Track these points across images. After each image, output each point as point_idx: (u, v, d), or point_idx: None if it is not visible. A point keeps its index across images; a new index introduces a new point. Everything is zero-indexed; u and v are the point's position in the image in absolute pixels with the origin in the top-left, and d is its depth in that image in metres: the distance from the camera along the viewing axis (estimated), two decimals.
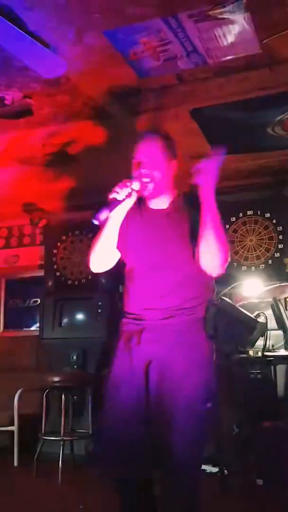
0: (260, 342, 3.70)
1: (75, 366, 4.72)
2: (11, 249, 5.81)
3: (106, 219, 2.10)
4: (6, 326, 5.88)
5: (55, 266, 5.35)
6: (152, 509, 2.14)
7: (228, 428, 3.98)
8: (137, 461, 2.05)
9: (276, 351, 3.99)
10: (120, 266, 2.34)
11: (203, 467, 3.54)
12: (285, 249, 4.62)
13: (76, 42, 2.63)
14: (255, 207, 4.77)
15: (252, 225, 4.76)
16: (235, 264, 4.70)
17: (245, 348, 3.76)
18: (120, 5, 2.34)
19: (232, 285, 3.97)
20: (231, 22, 2.47)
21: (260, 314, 3.75)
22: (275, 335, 4.05)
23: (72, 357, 4.73)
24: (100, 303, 4.82)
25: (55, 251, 5.39)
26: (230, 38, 2.60)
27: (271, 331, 3.91)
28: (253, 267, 4.68)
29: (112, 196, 2.06)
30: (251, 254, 4.72)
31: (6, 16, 2.38)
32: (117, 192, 2.06)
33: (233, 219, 4.81)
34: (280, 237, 4.65)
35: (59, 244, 5.39)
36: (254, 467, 3.64)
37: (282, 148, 4.05)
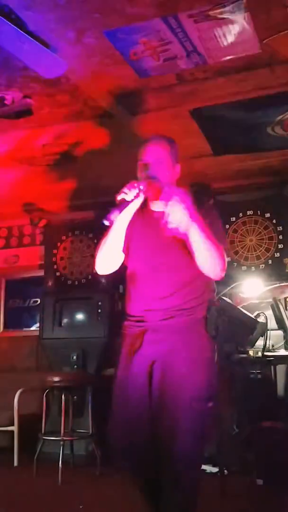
0: (260, 342, 3.71)
1: (75, 366, 4.72)
2: (11, 249, 5.81)
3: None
4: (6, 326, 5.88)
5: (55, 266, 5.35)
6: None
7: (228, 428, 3.98)
8: (144, 458, 2.11)
9: (276, 351, 3.99)
10: (120, 266, 2.35)
11: (203, 467, 3.54)
12: (285, 249, 4.63)
13: (76, 42, 2.63)
14: (255, 207, 4.78)
15: (252, 225, 4.76)
16: (235, 264, 4.71)
17: (245, 348, 3.77)
18: (120, 5, 2.34)
19: (232, 285, 3.97)
20: (231, 22, 2.47)
21: (260, 314, 3.76)
22: (275, 335, 4.06)
23: (72, 357, 4.73)
24: (100, 303, 4.82)
25: (55, 251, 5.39)
26: (230, 38, 2.60)
27: (271, 331, 3.91)
28: (253, 267, 4.68)
29: (120, 197, 2.08)
30: (251, 254, 4.72)
31: (6, 16, 2.38)
32: (126, 193, 2.08)
33: (233, 219, 4.82)
34: (280, 237, 4.65)
35: (59, 244, 5.39)
36: (254, 467, 3.64)
37: (282, 148, 4.05)
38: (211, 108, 3.37)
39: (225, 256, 2.17)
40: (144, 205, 2.27)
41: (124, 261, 2.31)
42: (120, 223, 2.17)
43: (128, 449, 2.18)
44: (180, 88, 3.13)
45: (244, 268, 4.69)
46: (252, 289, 4.12)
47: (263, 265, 4.65)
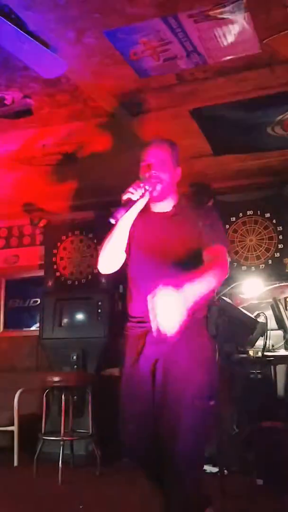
0: (260, 342, 3.71)
1: (75, 366, 4.72)
2: (11, 249, 5.81)
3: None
4: (6, 326, 5.88)
5: (55, 266, 5.35)
6: None
7: (228, 428, 3.98)
8: (150, 454, 2.14)
9: (276, 351, 3.99)
10: (120, 266, 2.36)
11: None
12: (285, 249, 4.62)
13: (76, 42, 2.63)
14: (255, 207, 4.77)
15: (252, 225, 4.76)
16: (235, 264, 4.71)
17: (245, 348, 3.77)
18: (120, 5, 2.34)
19: (232, 285, 3.97)
20: (231, 22, 2.47)
21: (260, 314, 3.76)
22: (275, 335, 4.06)
23: (72, 357, 4.73)
24: (100, 303, 4.82)
25: (55, 251, 5.39)
26: (230, 38, 2.60)
27: (271, 331, 3.91)
28: (253, 267, 4.68)
29: (126, 196, 2.12)
30: (251, 254, 4.72)
31: (6, 16, 2.38)
32: (132, 193, 2.12)
33: (233, 219, 4.81)
34: (280, 237, 4.65)
35: (59, 244, 5.39)
36: (254, 467, 3.64)
37: (282, 148, 4.05)
38: (211, 108, 3.37)
39: (228, 258, 2.19)
40: (145, 206, 2.28)
41: (126, 261, 2.33)
42: (124, 222, 2.20)
43: (135, 446, 2.22)
44: (180, 88, 3.13)
45: (244, 268, 4.69)
46: (252, 289, 4.11)
47: (263, 265, 4.65)
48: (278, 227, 4.68)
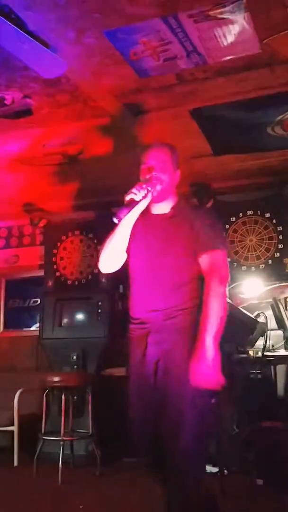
0: (260, 342, 3.71)
1: (75, 366, 4.72)
2: (11, 249, 5.81)
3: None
4: (6, 326, 5.88)
5: (55, 266, 5.35)
6: None
7: (228, 428, 3.98)
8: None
9: (276, 351, 3.99)
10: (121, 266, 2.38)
11: None
12: (285, 249, 4.62)
13: (76, 42, 2.63)
14: (255, 207, 4.77)
15: (252, 225, 4.76)
16: (235, 264, 4.71)
17: (245, 348, 3.76)
18: (120, 5, 2.34)
19: (232, 285, 3.97)
20: (231, 22, 2.47)
21: (260, 314, 3.76)
22: (275, 335, 4.06)
23: (72, 357, 4.72)
24: (100, 303, 4.82)
25: (55, 251, 5.39)
26: (230, 38, 2.60)
27: (271, 331, 3.91)
28: (253, 267, 4.68)
29: (129, 197, 2.17)
30: (251, 254, 4.72)
31: (6, 16, 2.38)
32: (135, 193, 2.17)
33: (233, 219, 4.81)
34: (280, 237, 4.65)
35: (59, 244, 5.39)
36: (254, 467, 3.64)
37: (282, 148, 4.05)
38: (211, 108, 3.37)
39: (227, 261, 2.26)
40: (145, 208, 2.31)
41: (126, 262, 2.37)
42: (126, 222, 2.24)
43: (142, 444, 2.28)
44: (180, 88, 3.13)
45: (244, 268, 4.69)
46: (252, 289, 4.12)
47: (263, 265, 4.65)
48: (278, 227, 4.68)
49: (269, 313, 4.04)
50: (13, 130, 3.65)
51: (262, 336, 3.67)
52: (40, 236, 5.68)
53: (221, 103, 3.32)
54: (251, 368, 4.05)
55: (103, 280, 5.01)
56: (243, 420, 4.02)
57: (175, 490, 2.10)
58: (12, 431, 4.49)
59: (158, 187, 2.25)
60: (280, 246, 4.64)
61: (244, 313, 3.55)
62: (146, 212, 2.30)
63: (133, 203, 2.17)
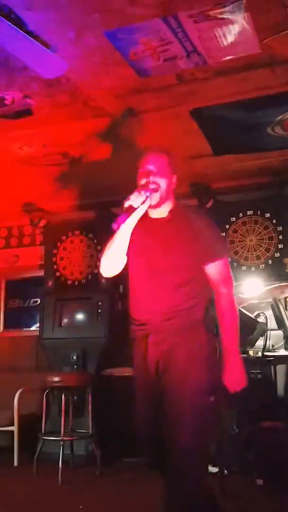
0: (260, 342, 3.71)
1: (75, 366, 4.71)
2: (11, 249, 5.81)
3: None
4: (6, 326, 5.88)
5: (55, 266, 5.35)
6: None
7: (228, 428, 3.98)
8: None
9: (276, 351, 3.99)
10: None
11: None
12: (285, 249, 4.62)
13: (76, 42, 2.63)
14: (255, 207, 4.77)
15: (252, 225, 4.76)
16: (235, 264, 4.70)
17: (245, 348, 3.76)
18: (120, 5, 2.34)
19: None
20: (231, 22, 2.47)
21: (260, 314, 3.76)
22: (275, 335, 4.06)
23: (72, 357, 4.72)
24: (100, 303, 4.82)
25: (55, 251, 5.39)
26: (230, 38, 2.60)
27: (271, 331, 3.91)
28: (253, 267, 4.68)
29: (127, 203, 2.21)
30: (251, 254, 4.72)
31: (6, 16, 2.38)
32: (133, 200, 2.21)
33: (233, 219, 4.81)
34: (280, 237, 4.65)
35: (59, 244, 5.39)
36: (254, 467, 3.63)
37: (282, 148, 4.05)
38: (211, 108, 3.37)
39: (230, 267, 2.39)
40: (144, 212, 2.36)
41: (126, 266, 2.41)
42: (126, 228, 2.27)
43: (145, 444, 2.33)
44: (180, 88, 3.13)
45: (244, 268, 4.69)
46: (252, 289, 4.11)
47: (263, 265, 4.65)
48: (278, 227, 4.68)
49: (269, 313, 4.04)
50: (13, 130, 3.65)
51: (262, 336, 3.66)
52: (40, 236, 5.68)
53: (221, 103, 3.32)
54: (251, 368, 4.05)
55: (103, 280, 5.00)
56: (243, 420, 4.02)
57: (175, 490, 2.11)
58: (12, 431, 4.49)
59: (156, 193, 2.29)
60: (280, 246, 4.64)
61: (244, 313, 3.54)
62: (144, 216, 2.33)
63: (131, 210, 2.21)
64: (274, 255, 4.64)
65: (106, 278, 4.91)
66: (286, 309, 4.17)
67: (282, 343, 4.07)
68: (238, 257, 4.73)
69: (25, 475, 4.13)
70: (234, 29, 2.53)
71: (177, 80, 3.05)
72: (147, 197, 2.24)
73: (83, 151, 4.08)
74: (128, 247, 2.33)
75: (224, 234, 4.66)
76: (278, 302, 4.11)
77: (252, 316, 3.63)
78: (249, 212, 4.78)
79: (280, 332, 4.10)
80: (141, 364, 2.28)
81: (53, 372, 4.65)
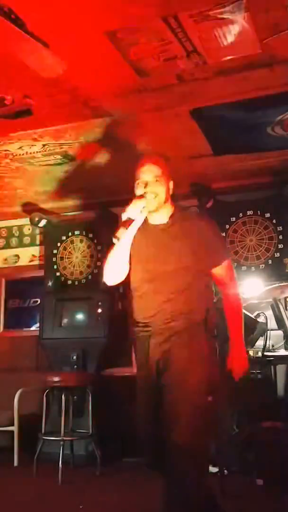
0: (260, 342, 3.71)
1: (75, 366, 4.71)
2: (11, 249, 5.82)
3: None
4: (6, 326, 5.88)
5: (55, 266, 5.34)
6: None
7: (228, 428, 3.97)
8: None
9: (276, 351, 3.99)
10: None
11: None
12: (285, 249, 4.62)
13: (76, 42, 2.63)
14: (255, 207, 4.77)
15: (252, 225, 4.76)
16: (235, 264, 4.70)
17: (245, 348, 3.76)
18: (120, 5, 2.34)
19: None
20: (231, 22, 2.47)
21: (260, 314, 3.76)
22: (275, 335, 4.05)
23: (72, 357, 4.72)
24: (100, 303, 4.81)
25: (55, 251, 5.39)
26: (230, 38, 2.60)
27: (271, 331, 3.91)
28: (253, 267, 4.67)
29: (125, 215, 2.27)
30: (251, 254, 4.71)
31: (6, 16, 2.38)
32: (131, 211, 2.27)
33: (233, 219, 4.81)
34: (280, 237, 4.64)
35: (59, 244, 5.38)
36: (254, 467, 3.63)
37: (282, 148, 4.05)
38: (211, 108, 3.37)
39: (233, 268, 2.53)
40: (144, 219, 2.40)
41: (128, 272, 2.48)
42: (126, 239, 2.33)
43: (146, 444, 2.36)
44: (180, 88, 3.13)
45: (244, 268, 4.69)
46: (252, 289, 4.11)
47: (263, 265, 4.65)
48: (278, 227, 4.67)
49: (269, 313, 4.04)
50: (13, 130, 3.65)
51: (262, 336, 3.67)
52: (40, 236, 5.68)
53: (221, 103, 3.32)
54: (251, 368, 4.04)
55: (103, 280, 5.00)
56: (243, 420, 4.02)
57: (175, 490, 2.11)
58: (12, 431, 4.49)
59: (155, 202, 2.34)
60: (280, 246, 4.63)
61: (244, 313, 3.54)
62: (144, 222, 2.39)
63: (129, 221, 2.27)
64: (274, 255, 4.64)
65: None
66: (286, 309, 4.17)
67: (282, 343, 4.07)
68: (238, 257, 4.72)
69: (25, 475, 4.13)
70: (234, 29, 2.53)
71: (177, 80, 3.05)
72: (144, 208, 2.30)
73: (83, 151, 4.08)
74: (130, 254, 2.40)
75: (224, 234, 4.65)
76: (278, 302, 4.11)
77: (252, 316, 3.63)
78: (249, 212, 4.78)
79: (280, 332, 4.10)
80: (143, 365, 2.33)
81: (53, 372, 4.65)
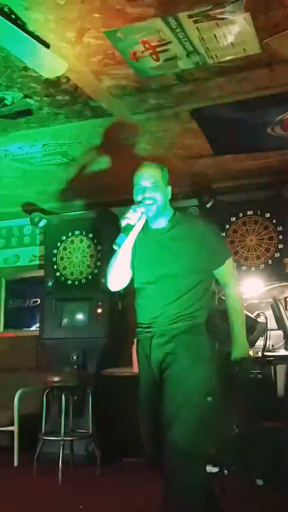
0: (260, 342, 3.71)
1: (75, 366, 4.71)
2: (11, 249, 5.82)
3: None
4: (6, 326, 5.88)
5: (55, 266, 5.34)
6: None
7: (228, 428, 3.97)
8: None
9: (276, 351, 3.99)
10: None
11: None
12: (285, 249, 4.62)
13: (76, 42, 2.63)
14: (255, 207, 4.77)
15: (252, 225, 4.76)
16: (235, 264, 4.69)
17: None
18: (120, 5, 2.34)
19: None
20: (231, 22, 2.47)
21: (260, 314, 3.76)
22: (275, 335, 4.06)
23: (72, 357, 4.72)
24: (100, 303, 4.82)
25: (55, 251, 5.39)
26: (230, 38, 2.60)
27: (271, 331, 3.91)
28: (253, 267, 4.67)
29: (124, 222, 2.33)
30: (251, 254, 4.71)
31: (6, 16, 2.37)
32: (130, 218, 2.33)
33: (233, 219, 4.81)
34: (280, 237, 4.64)
35: (59, 244, 5.38)
36: (254, 467, 3.63)
37: (282, 148, 4.05)
38: (211, 108, 3.37)
39: (235, 269, 2.59)
40: (144, 224, 2.45)
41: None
42: (126, 245, 2.39)
43: (148, 444, 2.39)
44: (180, 88, 3.13)
45: (244, 268, 4.69)
46: (252, 289, 4.11)
47: (263, 265, 4.65)
48: (278, 227, 4.67)
49: (269, 313, 4.04)
50: (13, 130, 3.65)
51: (262, 336, 3.66)
52: (40, 236, 5.69)
53: (221, 103, 3.32)
54: (251, 368, 4.04)
55: (103, 280, 5.00)
56: (243, 420, 4.02)
57: (174, 490, 2.12)
58: (12, 431, 4.50)
59: (154, 208, 2.38)
60: (280, 246, 4.63)
61: (244, 313, 3.54)
62: (145, 227, 2.44)
63: (129, 228, 2.33)
64: (274, 255, 4.64)
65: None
66: (286, 309, 4.17)
67: (282, 343, 4.07)
68: (238, 257, 4.72)
69: (25, 475, 4.13)
70: (234, 29, 2.52)
71: (177, 80, 3.05)
72: (142, 214, 2.35)
73: (83, 151, 4.08)
74: (132, 258, 2.46)
75: (224, 234, 4.65)
76: (278, 302, 4.12)
77: (252, 316, 3.63)
78: (249, 212, 4.78)
79: (280, 332, 4.10)
80: (145, 365, 2.38)
81: (53, 372, 4.65)
